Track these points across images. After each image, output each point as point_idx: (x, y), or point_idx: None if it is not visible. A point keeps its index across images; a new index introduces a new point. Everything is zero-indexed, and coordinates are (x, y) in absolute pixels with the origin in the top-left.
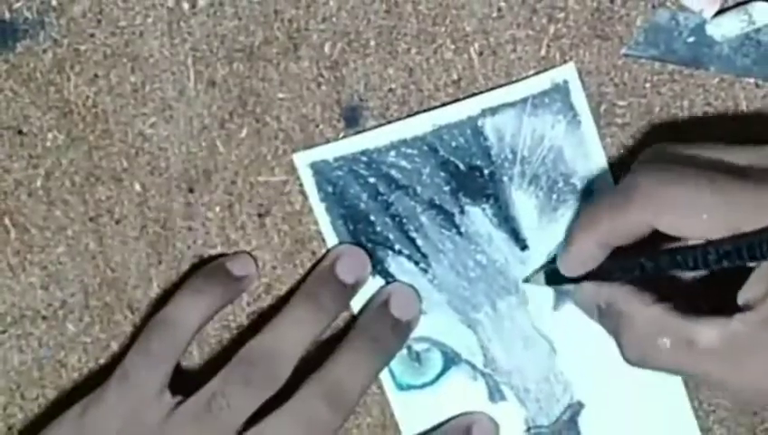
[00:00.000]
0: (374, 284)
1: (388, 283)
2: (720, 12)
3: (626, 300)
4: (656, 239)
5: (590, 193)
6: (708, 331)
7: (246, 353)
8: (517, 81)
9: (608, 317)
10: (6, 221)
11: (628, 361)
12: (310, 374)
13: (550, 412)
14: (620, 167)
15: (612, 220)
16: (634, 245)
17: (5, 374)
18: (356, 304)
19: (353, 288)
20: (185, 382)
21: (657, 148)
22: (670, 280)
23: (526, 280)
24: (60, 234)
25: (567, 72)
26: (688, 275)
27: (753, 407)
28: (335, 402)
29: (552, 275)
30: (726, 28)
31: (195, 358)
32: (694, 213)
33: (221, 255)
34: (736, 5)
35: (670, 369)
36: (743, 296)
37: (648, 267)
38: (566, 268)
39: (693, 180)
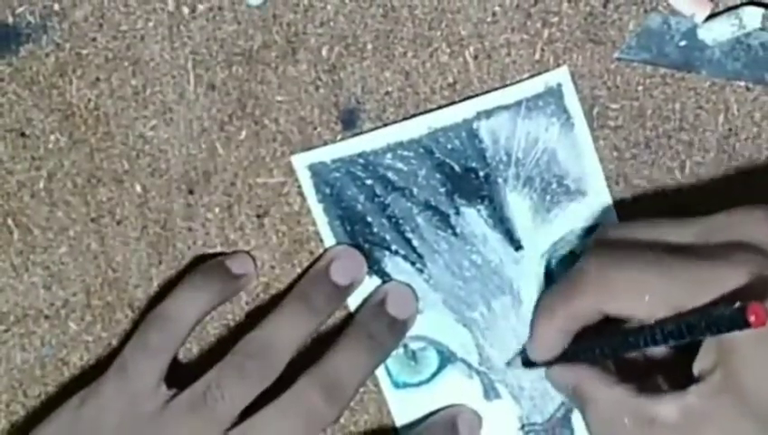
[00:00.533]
0: (371, 283)
1: (384, 282)
2: (711, 16)
3: (590, 383)
4: (614, 320)
5: (583, 193)
6: (666, 407)
7: (242, 347)
8: (511, 84)
9: (575, 398)
10: (9, 222)
11: None
12: (306, 370)
13: (544, 410)
14: (613, 169)
15: (565, 309)
16: (597, 325)
17: (8, 372)
18: (353, 301)
19: (348, 289)
20: (182, 377)
21: (601, 231)
22: (632, 359)
23: (508, 364)
24: (62, 234)
25: (560, 76)
26: (654, 351)
27: None
28: (331, 396)
29: (526, 359)
30: (717, 32)
31: (193, 354)
32: (637, 296)
33: (221, 254)
34: (727, 10)
35: None
36: (696, 368)
37: (605, 351)
38: (534, 355)
39: (634, 264)
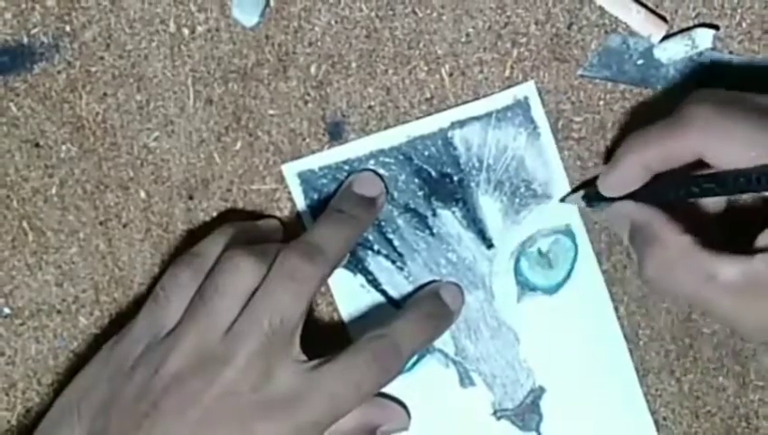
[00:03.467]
0: (355, 281)
1: (368, 280)
2: (666, 37)
3: (661, 224)
4: (689, 170)
5: (549, 197)
6: (730, 267)
7: (291, 248)
8: (483, 97)
9: (638, 236)
10: (25, 225)
11: (646, 280)
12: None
13: (514, 396)
14: (576, 176)
15: (663, 145)
16: (671, 172)
17: (24, 362)
18: (343, 303)
19: (374, 202)
20: None
21: (706, 91)
22: (696, 217)
23: (562, 200)
24: (72, 236)
25: (528, 90)
26: (712, 211)
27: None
28: (312, 259)
29: (592, 195)
30: (672, 51)
31: None
32: (744, 148)
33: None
34: (681, 31)
35: (687, 296)
36: (763, 240)
37: (688, 191)
38: (608, 188)
39: (746, 118)
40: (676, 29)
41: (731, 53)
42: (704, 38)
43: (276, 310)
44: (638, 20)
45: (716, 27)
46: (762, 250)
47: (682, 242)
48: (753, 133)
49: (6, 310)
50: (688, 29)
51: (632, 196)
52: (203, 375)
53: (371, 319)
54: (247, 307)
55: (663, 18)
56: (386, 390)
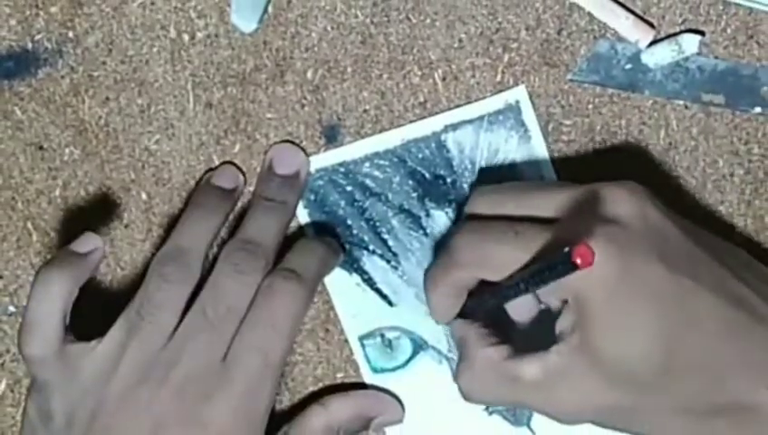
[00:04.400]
0: (351, 280)
1: (363, 279)
2: (653, 42)
3: (470, 340)
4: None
5: None
6: (530, 366)
7: (157, 259)
8: (475, 101)
9: (458, 351)
10: (29, 225)
11: (465, 396)
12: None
13: None
14: (566, 178)
15: (445, 279)
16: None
17: None
18: (339, 301)
19: (233, 192)
20: None
21: (473, 202)
22: (512, 326)
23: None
24: (76, 237)
25: (519, 94)
26: (525, 317)
27: (572, 422)
28: (251, 253)
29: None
30: (659, 57)
31: None
32: (504, 267)
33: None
34: (667, 37)
35: (501, 402)
36: (557, 328)
37: (480, 306)
38: (435, 318)
39: (501, 240)
40: (663, 35)
41: (716, 57)
42: (690, 44)
43: (221, 300)
44: (626, 26)
45: (702, 33)
46: (557, 341)
47: (486, 354)
48: (508, 252)
49: (12, 308)
50: (675, 35)
51: (463, 313)
52: (151, 382)
53: (367, 316)
54: (190, 311)
55: (650, 24)
56: (381, 384)
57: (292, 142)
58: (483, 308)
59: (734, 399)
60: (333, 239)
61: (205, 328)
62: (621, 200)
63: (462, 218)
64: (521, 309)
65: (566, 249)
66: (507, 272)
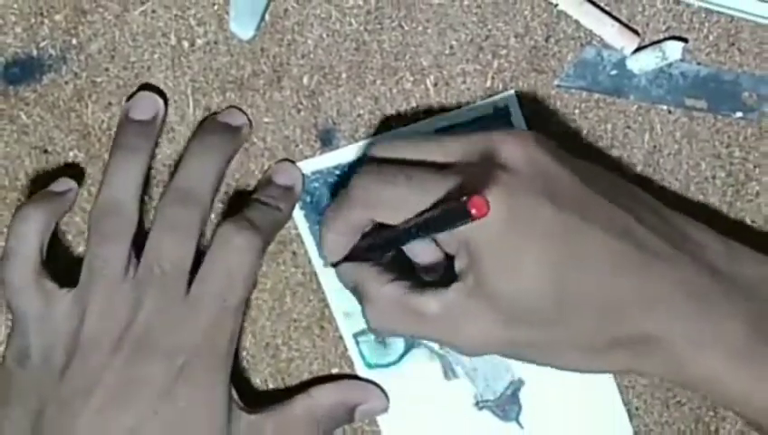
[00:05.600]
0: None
1: None
2: (638, 49)
3: (367, 281)
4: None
5: None
6: (430, 302)
7: (92, 215)
8: (466, 106)
9: (357, 294)
10: None
11: (372, 331)
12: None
13: (495, 388)
14: None
15: (340, 218)
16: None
17: None
18: (333, 299)
19: (153, 122)
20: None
21: (374, 148)
22: (414, 264)
23: (324, 265)
24: (80, 236)
25: (507, 99)
26: (427, 257)
27: (477, 355)
28: (186, 203)
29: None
30: (643, 63)
31: None
32: (396, 209)
33: None
34: (652, 44)
35: (405, 335)
36: (456, 267)
37: (375, 247)
38: (326, 256)
39: (395, 183)
40: (647, 42)
41: (699, 64)
42: (673, 50)
43: (164, 257)
44: (611, 33)
45: (685, 40)
46: (456, 279)
47: (387, 291)
48: (400, 194)
49: None
50: (659, 42)
51: (352, 256)
52: (117, 328)
53: (360, 314)
54: (139, 265)
55: (635, 32)
56: (375, 380)
57: (292, 162)
58: (378, 251)
59: (631, 331)
60: (292, 184)
61: (155, 282)
62: (510, 147)
63: (364, 162)
64: (422, 253)
65: (463, 199)
66: (399, 214)
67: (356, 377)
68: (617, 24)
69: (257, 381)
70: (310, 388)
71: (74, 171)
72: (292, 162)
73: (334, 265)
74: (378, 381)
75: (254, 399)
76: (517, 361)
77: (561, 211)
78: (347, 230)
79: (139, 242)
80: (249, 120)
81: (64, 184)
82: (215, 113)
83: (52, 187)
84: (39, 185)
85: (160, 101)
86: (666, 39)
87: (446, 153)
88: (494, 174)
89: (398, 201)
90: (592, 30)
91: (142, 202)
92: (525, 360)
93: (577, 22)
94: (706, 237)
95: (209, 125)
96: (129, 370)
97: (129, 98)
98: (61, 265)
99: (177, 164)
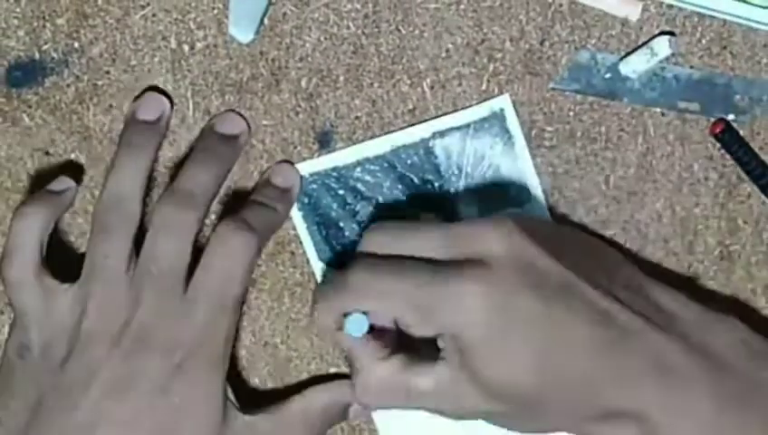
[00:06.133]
0: None
1: None
2: (628, 53)
3: (360, 356)
4: None
5: (522, 202)
6: (422, 379)
7: (96, 209)
8: (461, 109)
9: (350, 363)
10: None
11: (363, 405)
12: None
13: None
14: (548, 182)
15: (333, 302)
16: None
17: None
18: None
19: (158, 122)
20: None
21: (366, 242)
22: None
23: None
24: (82, 237)
25: (503, 102)
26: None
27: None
28: (185, 206)
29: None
30: (635, 64)
31: None
32: (388, 302)
33: None
34: (640, 46)
35: (397, 408)
36: (439, 343)
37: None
38: (319, 334)
39: (386, 277)
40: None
41: (692, 67)
42: (661, 45)
43: (161, 259)
44: (611, 4)
45: (672, 33)
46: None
47: (379, 372)
48: (391, 288)
49: None
50: (647, 41)
51: None
52: (117, 323)
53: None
54: (137, 263)
55: None
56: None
57: (237, 112)
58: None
59: (608, 406)
60: (289, 186)
61: (152, 281)
62: (487, 238)
63: (357, 252)
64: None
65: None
66: (390, 304)
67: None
68: None
69: (255, 380)
70: (304, 390)
71: (76, 172)
72: (291, 164)
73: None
74: None
75: (251, 399)
76: (501, 427)
77: (544, 302)
78: (337, 316)
79: (140, 239)
80: (248, 124)
81: (63, 183)
82: (215, 116)
83: (50, 185)
84: (41, 186)
85: (166, 103)
86: (653, 36)
87: (428, 248)
88: (473, 269)
89: (392, 296)
90: (593, 6)
91: (144, 201)
92: (509, 428)
93: (571, 26)
94: (679, 306)
95: (211, 134)
96: (127, 364)
97: (137, 98)
98: (63, 262)
99: (176, 166)
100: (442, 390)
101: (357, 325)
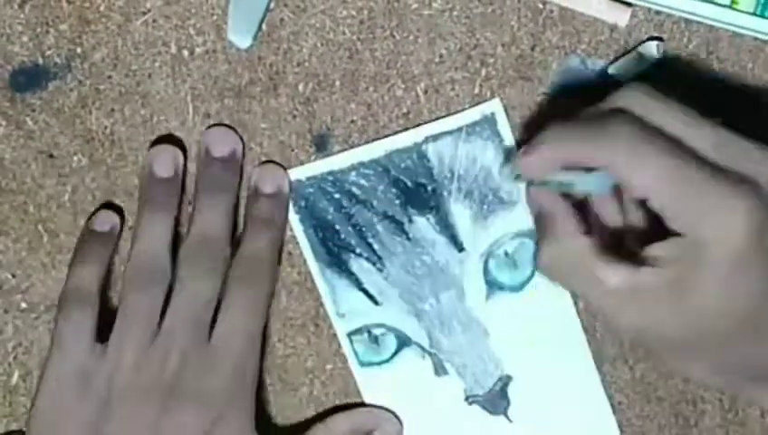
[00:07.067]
0: (340, 282)
1: (350, 280)
2: (616, 58)
3: (562, 220)
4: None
5: (514, 203)
6: (617, 275)
7: (129, 269)
8: (454, 113)
9: (542, 223)
10: (40, 228)
11: (539, 267)
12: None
13: (484, 384)
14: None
15: (582, 151)
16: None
17: (39, 352)
18: (328, 301)
19: (176, 178)
20: None
21: (635, 101)
22: (598, 221)
23: (500, 173)
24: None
25: (494, 106)
26: (634, 219)
27: (633, 344)
28: (210, 247)
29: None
30: (624, 69)
31: None
32: (654, 182)
33: None
34: (629, 51)
35: (575, 291)
36: (652, 251)
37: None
38: (523, 169)
39: (665, 152)
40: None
41: (679, 72)
42: (649, 49)
43: (196, 299)
44: (601, 9)
45: (660, 39)
46: (648, 262)
47: (577, 243)
48: (667, 171)
49: (24, 304)
50: (636, 46)
51: (545, 183)
52: (150, 373)
53: (354, 314)
54: (169, 307)
55: (626, 3)
56: (368, 377)
57: (279, 165)
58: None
59: None
60: (279, 190)
61: (186, 328)
62: (764, 164)
63: (611, 106)
64: (604, 212)
65: None
66: (649, 192)
67: (370, 405)
68: (604, 0)
69: (281, 419)
70: (326, 418)
71: (78, 175)
72: (275, 163)
73: (528, 183)
74: (371, 378)
75: (271, 429)
76: (645, 350)
77: None
78: (572, 161)
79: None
80: (240, 137)
81: (108, 220)
82: (208, 131)
83: (97, 225)
84: (44, 187)
85: (180, 156)
86: (641, 42)
87: (702, 138)
88: (752, 189)
89: (661, 175)
90: (581, 11)
91: (173, 253)
92: (671, 366)
93: (562, 31)
94: None
95: (212, 164)
96: (165, 419)
97: (152, 145)
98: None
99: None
100: (632, 296)
101: (600, 182)
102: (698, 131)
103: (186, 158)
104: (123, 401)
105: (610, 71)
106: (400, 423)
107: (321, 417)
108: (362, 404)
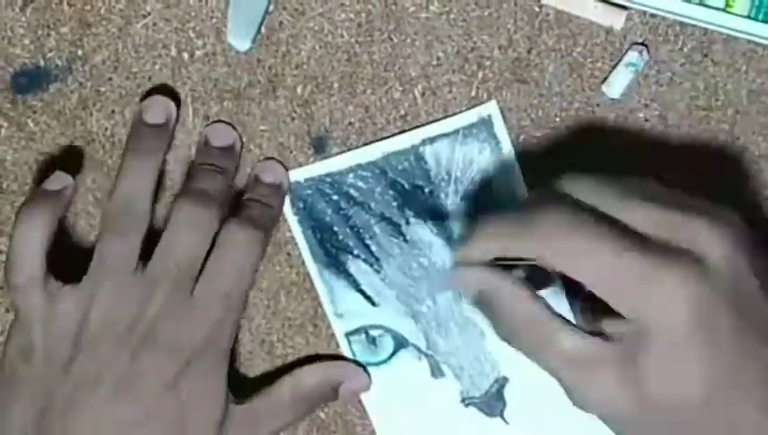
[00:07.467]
0: (338, 283)
1: (348, 281)
2: (606, 77)
3: (503, 293)
4: None
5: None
6: (568, 340)
7: (106, 213)
8: (451, 115)
9: (488, 299)
10: None
11: (499, 336)
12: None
13: (481, 386)
14: (534, 186)
15: (514, 245)
16: None
17: None
18: (326, 301)
19: (166, 126)
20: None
21: (557, 203)
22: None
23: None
24: (82, 239)
25: (491, 108)
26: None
27: (583, 410)
28: (205, 203)
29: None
30: (617, 85)
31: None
32: (585, 265)
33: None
34: (616, 65)
35: (532, 359)
36: (605, 325)
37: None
38: (463, 259)
39: (593, 239)
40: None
41: (673, 74)
42: (632, 57)
43: (182, 252)
44: (596, 13)
45: (643, 44)
46: (600, 334)
47: (528, 308)
48: (603, 266)
49: None
50: (620, 59)
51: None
52: (122, 325)
53: (352, 315)
54: (152, 260)
55: (622, 6)
56: (372, 393)
57: (277, 160)
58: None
59: None
60: (279, 182)
61: (169, 278)
62: (714, 240)
63: (545, 191)
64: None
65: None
66: (583, 264)
67: (341, 357)
68: (600, 4)
69: (252, 376)
70: (295, 370)
71: (78, 175)
72: (277, 161)
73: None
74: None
75: (242, 385)
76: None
77: (743, 332)
78: (507, 253)
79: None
80: (238, 133)
81: (60, 180)
82: (207, 127)
83: (47, 184)
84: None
85: (173, 106)
86: (625, 52)
87: (642, 218)
88: (691, 268)
89: (585, 251)
90: (577, 15)
91: (154, 203)
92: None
93: (558, 34)
94: None
95: (210, 150)
96: (135, 364)
97: (143, 98)
98: (63, 263)
99: (177, 168)
100: (586, 366)
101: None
102: (632, 210)
103: (178, 108)
104: (94, 344)
105: (606, 92)
106: (369, 377)
107: (289, 368)
108: (333, 356)
